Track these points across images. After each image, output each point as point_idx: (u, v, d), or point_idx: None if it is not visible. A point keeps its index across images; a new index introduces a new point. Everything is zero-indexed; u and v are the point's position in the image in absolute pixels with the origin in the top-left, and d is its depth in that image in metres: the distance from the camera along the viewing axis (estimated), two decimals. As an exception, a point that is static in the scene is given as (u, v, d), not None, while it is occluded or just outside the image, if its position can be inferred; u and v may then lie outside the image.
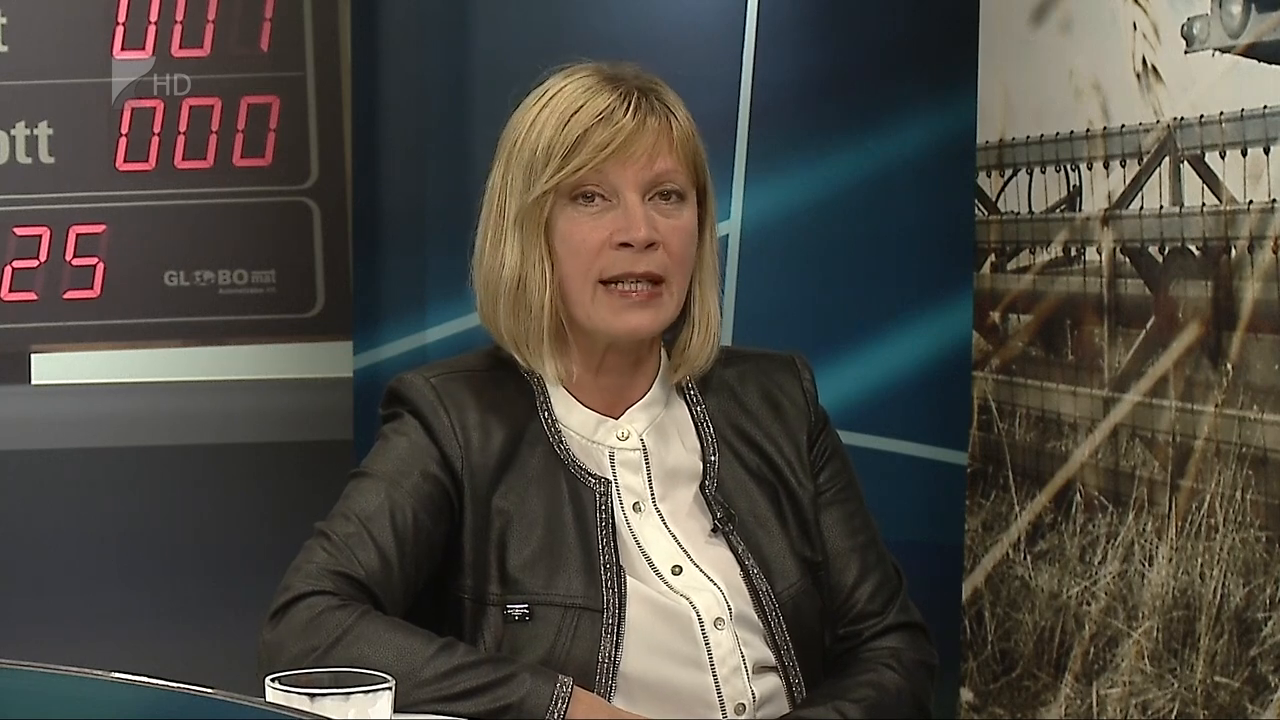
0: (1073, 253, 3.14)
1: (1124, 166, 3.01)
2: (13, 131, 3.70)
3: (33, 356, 3.74)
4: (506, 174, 2.23)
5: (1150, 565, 2.94)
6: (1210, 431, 2.81)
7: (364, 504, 2.17)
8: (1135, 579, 2.97)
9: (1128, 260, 3.01)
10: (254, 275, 3.80)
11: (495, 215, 2.24)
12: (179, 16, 3.75)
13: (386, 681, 1.65)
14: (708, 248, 2.26)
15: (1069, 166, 3.14)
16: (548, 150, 2.18)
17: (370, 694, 1.64)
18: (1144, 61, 2.94)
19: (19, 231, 3.71)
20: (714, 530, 2.24)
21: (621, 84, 2.21)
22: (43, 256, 3.72)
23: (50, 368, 3.75)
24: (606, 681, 2.14)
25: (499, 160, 2.25)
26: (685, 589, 2.20)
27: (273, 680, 1.64)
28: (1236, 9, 2.74)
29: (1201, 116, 2.82)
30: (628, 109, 2.19)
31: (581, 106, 2.19)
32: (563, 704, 2.06)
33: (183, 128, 3.76)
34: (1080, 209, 3.12)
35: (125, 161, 3.75)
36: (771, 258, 3.52)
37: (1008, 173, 3.30)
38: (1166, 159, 2.90)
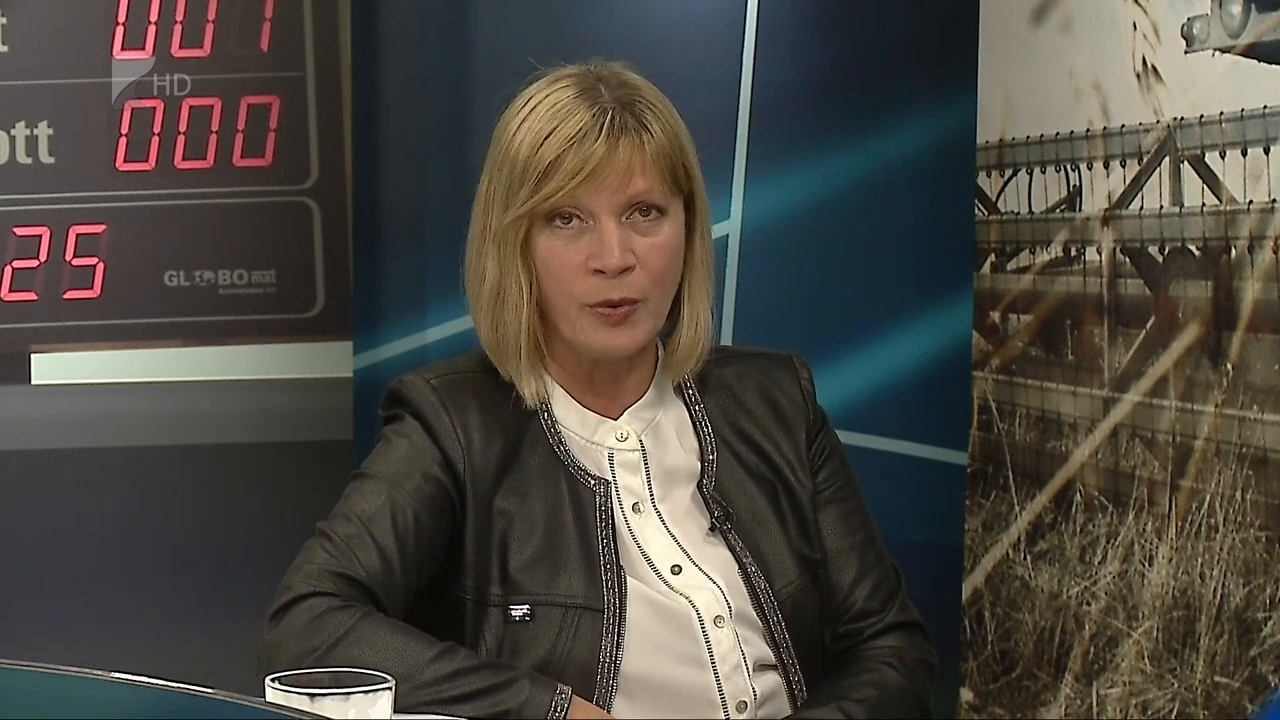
0: (1073, 253, 3.14)
1: (1124, 166, 3.01)
2: (13, 131, 3.70)
3: (33, 356, 3.74)
4: (491, 187, 2.22)
5: (1150, 565, 2.94)
6: (1210, 431, 2.81)
7: (365, 505, 2.17)
8: (1135, 579, 2.97)
9: (1128, 260, 3.01)
10: (254, 275, 3.80)
11: (480, 226, 2.23)
12: (179, 16, 3.75)
13: (386, 681, 1.65)
14: (699, 250, 2.25)
15: (1069, 166, 3.14)
16: (522, 172, 2.17)
17: (370, 694, 1.64)
18: (1144, 61, 2.94)
19: (19, 231, 3.71)
20: (712, 529, 2.24)
21: (599, 99, 2.18)
22: (43, 256, 3.71)
23: (50, 368, 3.75)
24: (608, 681, 2.14)
25: (486, 169, 2.24)
26: (685, 588, 2.20)
27: (273, 680, 1.64)
28: (1236, 9, 2.74)
29: (1201, 116, 2.82)
30: (600, 131, 2.15)
31: (554, 129, 2.16)
32: (561, 711, 2.06)
33: (183, 128, 3.76)
34: (1080, 209, 3.12)
35: (125, 161, 3.74)
36: (771, 258, 3.52)
37: (1008, 173, 3.30)
38: (1166, 159, 2.90)
